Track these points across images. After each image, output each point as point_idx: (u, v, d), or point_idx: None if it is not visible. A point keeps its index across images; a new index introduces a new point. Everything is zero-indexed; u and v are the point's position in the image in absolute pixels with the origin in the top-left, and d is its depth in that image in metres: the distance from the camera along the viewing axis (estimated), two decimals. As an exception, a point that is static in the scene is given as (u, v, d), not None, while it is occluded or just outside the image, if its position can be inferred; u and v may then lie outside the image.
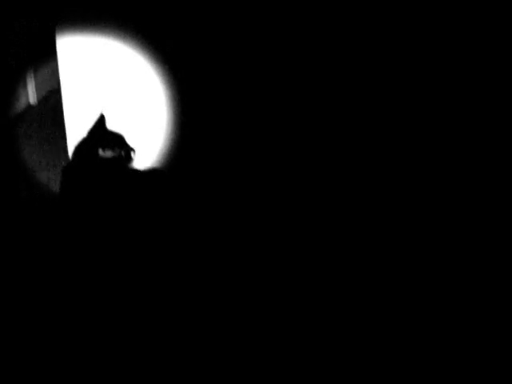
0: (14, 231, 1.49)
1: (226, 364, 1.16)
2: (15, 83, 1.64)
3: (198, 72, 1.62)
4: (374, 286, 1.36)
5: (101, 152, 1.52)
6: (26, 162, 1.72)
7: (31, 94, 1.82)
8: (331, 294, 1.34)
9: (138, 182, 1.53)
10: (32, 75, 1.75)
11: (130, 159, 1.56)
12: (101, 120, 1.56)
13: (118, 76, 1.63)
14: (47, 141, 1.71)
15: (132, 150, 1.57)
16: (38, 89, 1.82)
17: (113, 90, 1.63)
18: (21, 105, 1.74)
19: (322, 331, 1.24)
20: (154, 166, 1.59)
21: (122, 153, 1.55)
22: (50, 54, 1.64)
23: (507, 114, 1.55)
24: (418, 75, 1.56)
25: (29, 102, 1.81)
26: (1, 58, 1.55)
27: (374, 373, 1.15)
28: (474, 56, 1.52)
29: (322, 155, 1.64)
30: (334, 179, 1.62)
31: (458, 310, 1.30)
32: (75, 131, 1.64)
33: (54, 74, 1.67)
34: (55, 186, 1.64)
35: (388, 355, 1.18)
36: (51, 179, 1.72)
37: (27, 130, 1.74)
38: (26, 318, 1.26)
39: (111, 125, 1.59)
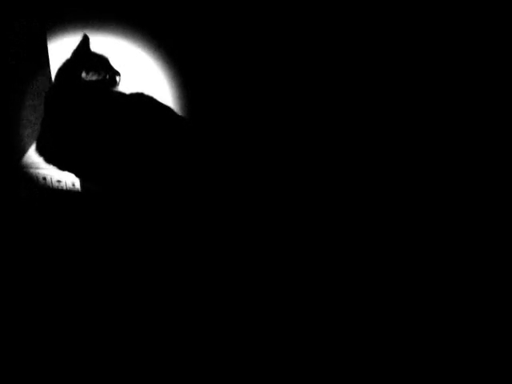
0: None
1: (226, 364, 1.15)
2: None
3: (202, 68, 1.57)
4: (373, 285, 1.34)
5: (84, 75, 1.47)
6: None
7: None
8: (331, 294, 1.32)
9: (124, 105, 1.48)
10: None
11: (114, 83, 1.52)
12: (84, 41, 1.50)
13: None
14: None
15: (117, 73, 1.52)
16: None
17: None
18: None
19: (322, 331, 1.23)
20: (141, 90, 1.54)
21: (107, 76, 1.50)
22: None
23: (507, 114, 1.50)
24: (418, 75, 1.51)
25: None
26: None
27: (374, 373, 1.15)
28: (474, 56, 1.46)
29: (322, 157, 1.61)
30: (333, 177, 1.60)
31: (457, 309, 1.29)
32: (58, 55, 1.59)
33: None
34: (39, 112, 1.60)
35: (388, 355, 1.18)
36: (37, 106, 1.67)
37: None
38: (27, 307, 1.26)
39: (95, 47, 1.53)
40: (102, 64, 1.51)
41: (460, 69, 1.49)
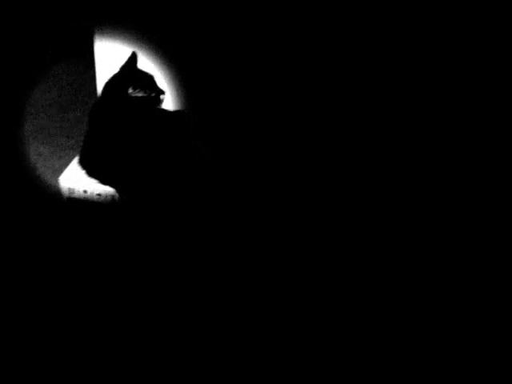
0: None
1: (226, 364, 1.15)
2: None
3: (203, 70, 1.58)
4: (373, 285, 1.33)
5: (130, 91, 1.49)
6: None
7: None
8: (331, 294, 1.31)
9: (165, 122, 1.49)
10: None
11: (159, 101, 1.53)
12: (132, 58, 1.52)
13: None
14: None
15: (162, 91, 1.53)
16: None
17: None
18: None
19: (322, 331, 1.22)
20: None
21: (152, 94, 1.52)
22: None
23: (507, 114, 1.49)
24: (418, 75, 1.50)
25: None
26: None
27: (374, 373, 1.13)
28: (474, 56, 1.45)
29: (323, 159, 1.61)
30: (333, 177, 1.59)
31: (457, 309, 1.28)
32: (106, 68, 1.61)
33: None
34: (83, 125, 1.63)
35: (388, 355, 1.17)
36: (80, 120, 1.70)
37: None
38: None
39: (142, 65, 1.55)
40: (147, 82, 1.53)
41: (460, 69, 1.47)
